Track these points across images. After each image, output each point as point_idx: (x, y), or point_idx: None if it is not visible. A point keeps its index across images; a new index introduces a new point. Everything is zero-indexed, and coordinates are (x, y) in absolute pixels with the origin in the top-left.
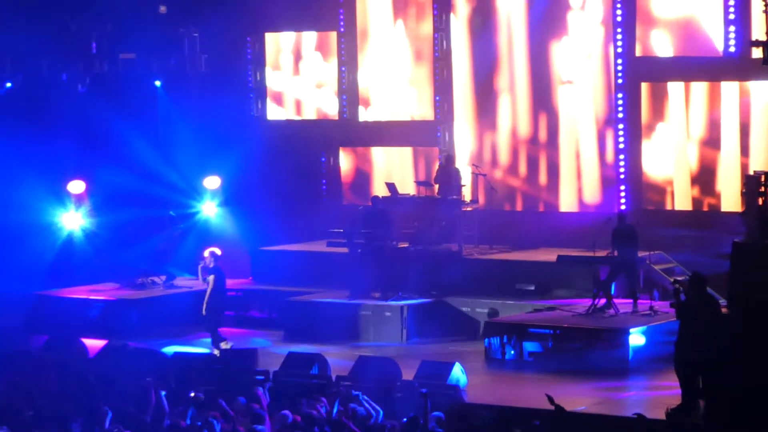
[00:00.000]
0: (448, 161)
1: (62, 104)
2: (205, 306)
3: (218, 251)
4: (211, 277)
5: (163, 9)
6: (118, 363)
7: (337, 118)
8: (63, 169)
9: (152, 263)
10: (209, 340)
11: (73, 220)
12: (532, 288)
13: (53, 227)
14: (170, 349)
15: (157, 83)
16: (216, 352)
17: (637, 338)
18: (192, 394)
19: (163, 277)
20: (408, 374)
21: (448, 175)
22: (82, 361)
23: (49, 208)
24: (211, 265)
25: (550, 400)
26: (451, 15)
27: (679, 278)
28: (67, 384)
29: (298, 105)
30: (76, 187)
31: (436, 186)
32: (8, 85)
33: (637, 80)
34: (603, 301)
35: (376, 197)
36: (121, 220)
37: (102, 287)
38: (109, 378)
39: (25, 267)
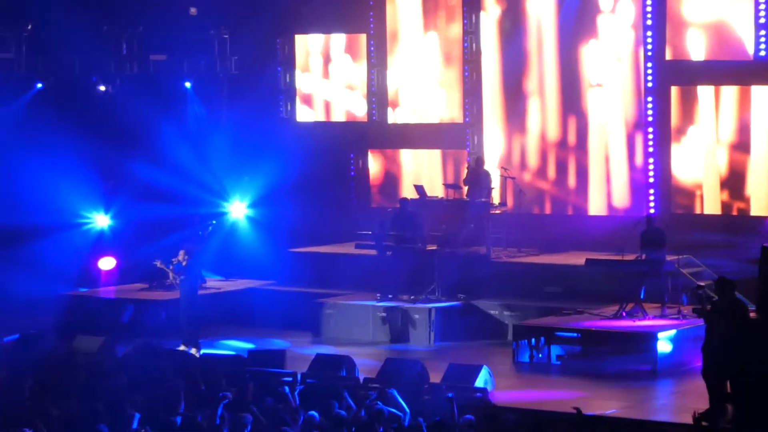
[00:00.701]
0: (477, 163)
1: (93, 105)
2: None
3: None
4: (182, 277)
5: (193, 11)
6: (146, 363)
7: (366, 120)
8: (93, 169)
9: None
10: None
11: (103, 221)
12: (560, 290)
13: (83, 228)
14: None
15: (188, 84)
16: (194, 351)
17: (665, 342)
18: (222, 395)
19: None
20: (436, 377)
21: (477, 177)
22: (111, 361)
23: (79, 209)
24: (185, 264)
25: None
26: (481, 17)
27: (701, 283)
28: (95, 384)
29: (327, 107)
30: (106, 187)
31: (466, 188)
32: (39, 86)
33: (667, 84)
34: (631, 304)
35: (405, 199)
36: (151, 221)
37: (131, 288)
38: (138, 378)
39: (55, 267)
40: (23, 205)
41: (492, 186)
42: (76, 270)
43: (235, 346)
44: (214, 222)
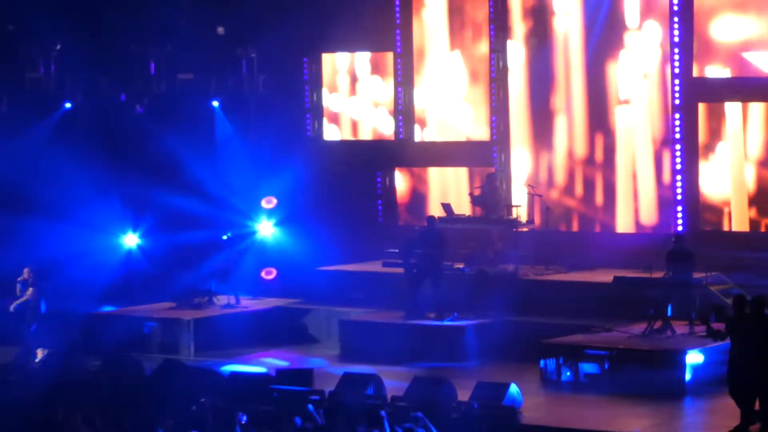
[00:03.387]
0: (490, 180)
1: (121, 124)
2: (13, 307)
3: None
4: (30, 290)
5: (220, 30)
6: (174, 382)
7: (393, 138)
8: (121, 188)
9: (208, 283)
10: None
11: (131, 240)
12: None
13: (112, 247)
14: (228, 369)
15: (215, 103)
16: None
17: (693, 360)
18: (242, 416)
19: (228, 297)
20: (463, 395)
21: (492, 192)
22: (139, 379)
23: (107, 228)
24: (30, 280)
25: None
26: (508, 35)
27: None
28: (123, 403)
29: (354, 125)
30: (135, 206)
31: (477, 208)
32: (68, 105)
33: (694, 101)
34: (659, 322)
35: (432, 217)
36: (178, 240)
37: (158, 306)
38: (165, 397)
39: (84, 286)
40: (51, 223)
41: (517, 204)
42: (104, 288)
43: (263, 364)
44: (228, 234)
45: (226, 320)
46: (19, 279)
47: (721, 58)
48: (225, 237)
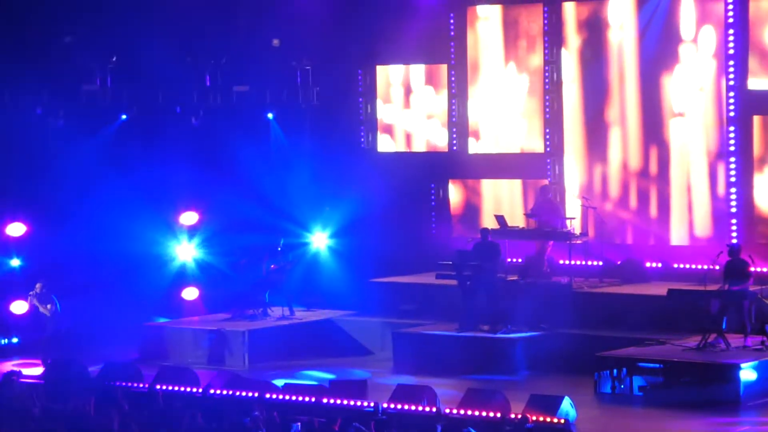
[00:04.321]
0: (543, 191)
1: (176, 136)
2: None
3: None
4: (49, 305)
5: (276, 42)
6: (228, 393)
7: (446, 150)
8: (177, 200)
9: (262, 294)
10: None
11: (185, 252)
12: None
13: (166, 258)
14: (281, 380)
15: (270, 115)
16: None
17: (748, 373)
18: (295, 427)
19: (277, 309)
20: (517, 407)
21: (544, 203)
22: (192, 391)
23: (162, 240)
24: (42, 295)
25: None
26: (562, 47)
27: None
28: (178, 414)
29: (408, 137)
30: (189, 218)
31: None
32: (123, 117)
33: (750, 113)
34: (713, 335)
35: (485, 229)
36: (234, 252)
37: (213, 318)
38: (219, 409)
39: (139, 298)
40: (108, 235)
41: (572, 216)
42: (159, 300)
43: (317, 376)
44: (282, 242)
45: (280, 332)
46: (30, 293)
47: None
48: (279, 248)
